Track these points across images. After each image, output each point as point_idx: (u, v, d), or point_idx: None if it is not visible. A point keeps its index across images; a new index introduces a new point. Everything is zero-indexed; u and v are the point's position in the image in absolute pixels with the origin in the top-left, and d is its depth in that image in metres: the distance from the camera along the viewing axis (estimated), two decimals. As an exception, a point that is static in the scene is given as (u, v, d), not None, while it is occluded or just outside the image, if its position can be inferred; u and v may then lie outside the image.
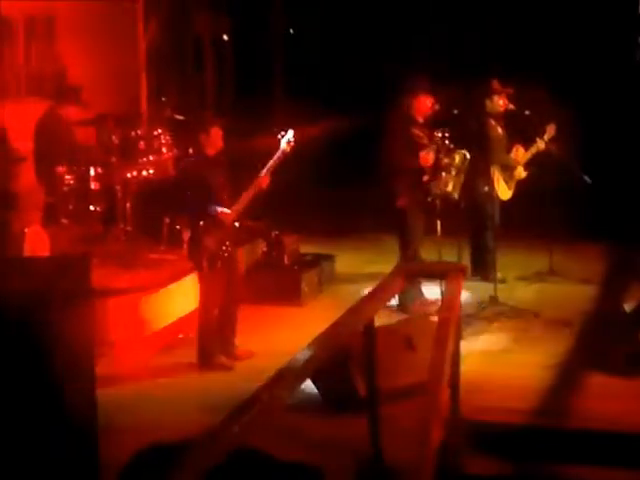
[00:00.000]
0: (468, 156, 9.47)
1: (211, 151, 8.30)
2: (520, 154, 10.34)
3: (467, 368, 6.59)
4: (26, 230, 9.29)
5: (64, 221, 9.59)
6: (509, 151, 10.35)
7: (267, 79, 14.39)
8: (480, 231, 10.25)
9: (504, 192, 10.28)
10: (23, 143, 10.05)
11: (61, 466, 4.71)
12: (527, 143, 10.33)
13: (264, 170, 8.32)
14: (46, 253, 9.03)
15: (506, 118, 10.18)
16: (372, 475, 6.12)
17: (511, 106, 9.90)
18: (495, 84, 9.95)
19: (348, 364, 7.05)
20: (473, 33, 12.78)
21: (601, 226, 10.81)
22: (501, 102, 9.94)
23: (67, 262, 5.12)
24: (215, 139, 8.30)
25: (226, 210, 8.16)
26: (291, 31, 14.61)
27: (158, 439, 4.86)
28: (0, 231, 9.24)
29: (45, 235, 9.29)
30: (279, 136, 8.45)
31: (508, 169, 10.29)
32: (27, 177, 9.98)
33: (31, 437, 4.52)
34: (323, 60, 14.17)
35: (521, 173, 10.34)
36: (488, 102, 10.01)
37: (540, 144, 10.21)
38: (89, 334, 5.00)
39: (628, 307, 8.33)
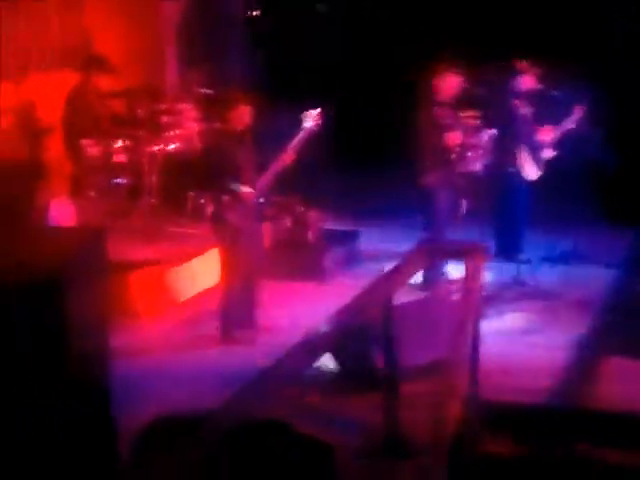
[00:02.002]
0: (495, 136, 9.43)
1: (237, 126, 8.30)
2: (548, 134, 10.26)
3: (487, 348, 6.58)
4: (52, 201, 9.37)
5: (91, 193, 9.64)
6: (537, 131, 10.27)
7: (298, 56, 14.34)
8: (506, 211, 10.20)
9: (532, 172, 10.21)
10: (52, 114, 10.09)
11: (76, 437, 4.75)
12: (555, 123, 10.25)
13: (289, 147, 8.34)
14: (72, 224, 9.09)
15: (534, 98, 10.10)
16: (386, 452, 6.13)
17: (539, 86, 9.83)
18: (522, 64, 9.87)
19: (368, 340, 7.05)
20: (503, 12, 12.67)
21: (627, 210, 10.76)
22: (528, 82, 9.87)
23: (84, 235, 5.14)
24: (242, 115, 8.30)
25: (247, 189, 8.17)
26: (318, 7, 14.52)
27: (173, 410, 4.89)
28: (27, 201, 9.31)
29: (71, 206, 9.35)
30: (306, 114, 8.47)
31: (536, 149, 10.21)
32: (55, 148, 10.03)
33: (46, 410, 4.57)
34: (352, 39, 14.10)
35: (549, 153, 10.26)
36: (515, 82, 9.92)
37: (568, 124, 10.13)
38: (103, 306, 5.03)
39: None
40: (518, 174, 9.94)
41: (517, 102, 10.00)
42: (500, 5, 12.74)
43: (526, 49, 10.54)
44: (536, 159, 10.20)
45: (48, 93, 10.29)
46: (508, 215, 10.19)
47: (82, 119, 9.66)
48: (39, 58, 10.33)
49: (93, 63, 9.97)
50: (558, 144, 10.24)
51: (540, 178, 10.27)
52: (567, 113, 10.12)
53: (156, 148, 10.01)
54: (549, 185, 10.27)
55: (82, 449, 4.86)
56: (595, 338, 8.19)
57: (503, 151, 9.72)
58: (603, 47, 12.48)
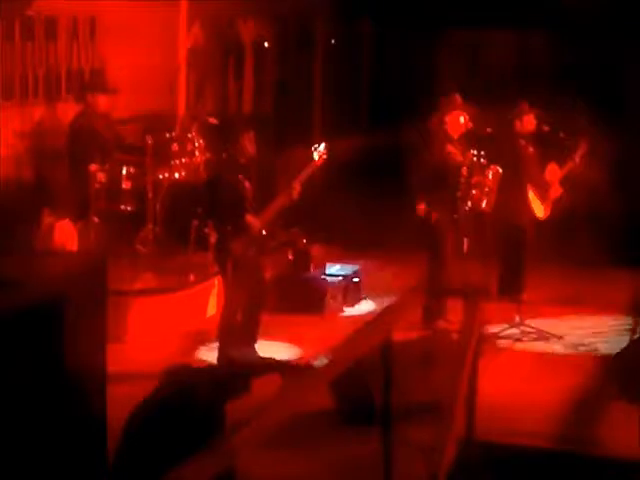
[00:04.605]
0: (501, 173, 9.42)
1: (242, 157, 8.32)
2: (555, 172, 10.23)
3: (486, 389, 6.54)
4: (56, 224, 9.37)
5: (94, 219, 9.65)
6: (543, 170, 10.23)
7: (309, 88, 14.39)
8: (513, 250, 10.13)
9: (539, 211, 10.17)
10: (58, 139, 10.11)
11: (70, 462, 4.73)
12: (561, 162, 10.23)
13: (295, 180, 8.35)
14: (74, 249, 9.09)
15: (540, 139, 10.08)
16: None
17: (545, 128, 9.81)
18: (523, 105, 9.84)
19: (365, 377, 7.02)
20: (507, 50, 12.73)
21: (633, 252, 10.72)
22: (530, 123, 9.84)
23: (84, 260, 5.15)
24: (247, 146, 8.32)
25: (251, 220, 8.17)
26: (332, 41, 14.60)
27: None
28: (31, 224, 9.32)
29: (74, 231, 9.35)
30: (312, 148, 8.50)
31: (543, 188, 10.17)
32: (61, 173, 10.04)
33: (40, 434, 4.55)
34: (363, 71, 14.16)
35: (556, 191, 10.19)
36: (518, 122, 9.87)
37: (573, 160, 10.10)
38: (101, 332, 5.02)
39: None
40: (524, 213, 9.91)
41: (523, 142, 10.00)
42: (508, 44, 12.79)
43: (532, 89, 10.56)
44: (543, 198, 10.17)
45: (56, 117, 10.32)
46: (512, 255, 10.15)
47: (86, 144, 9.68)
48: (48, 82, 10.37)
49: (89, 85, 10.04)
50: (564, 182, 10.21)
51: (546, 218, 10.25)
52: (573, 149, 10.10)
53: (161, 176, 10.03)
54: (554, 225, 10.25)
55: (76, 473, 4.85)
56: (596, 382, 8.15)
57: (510, 190, 9.69)
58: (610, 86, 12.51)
